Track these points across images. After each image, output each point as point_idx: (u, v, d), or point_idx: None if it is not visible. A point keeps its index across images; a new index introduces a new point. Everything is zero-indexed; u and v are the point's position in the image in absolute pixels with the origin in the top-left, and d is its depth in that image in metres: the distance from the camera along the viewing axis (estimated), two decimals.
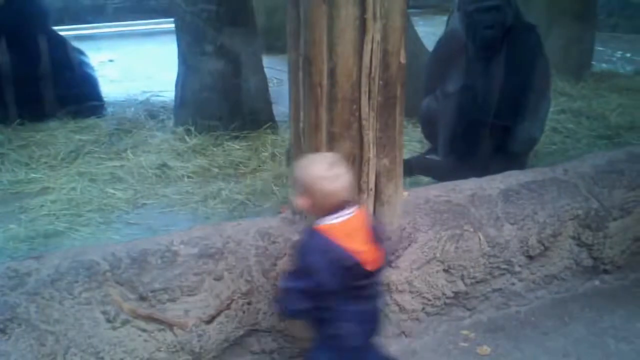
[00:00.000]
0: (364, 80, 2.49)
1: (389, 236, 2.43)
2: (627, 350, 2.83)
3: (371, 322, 2.30)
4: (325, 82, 2.47)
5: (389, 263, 2.71)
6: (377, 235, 2.25)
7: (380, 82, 2.53)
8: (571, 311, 3.10)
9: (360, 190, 2.63)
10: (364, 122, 2.53)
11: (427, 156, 4.31)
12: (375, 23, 2.42)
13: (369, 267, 2.17)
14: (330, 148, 2.54)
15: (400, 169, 2.74)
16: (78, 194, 3.89)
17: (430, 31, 6.75)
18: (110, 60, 7.65)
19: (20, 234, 3.41)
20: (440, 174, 3.86)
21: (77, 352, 2.33)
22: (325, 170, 2.18)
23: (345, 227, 2.17)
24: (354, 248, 2.15)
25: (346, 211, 2.19)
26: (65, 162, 4.39)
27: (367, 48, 2.45)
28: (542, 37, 4.10)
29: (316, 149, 2.55)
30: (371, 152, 2.59)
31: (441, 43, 4.33)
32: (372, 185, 2.65)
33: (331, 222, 2.17)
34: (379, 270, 2.25)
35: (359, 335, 2.25)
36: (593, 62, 6.85)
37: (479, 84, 3.92)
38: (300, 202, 2.21)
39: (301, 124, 2.62)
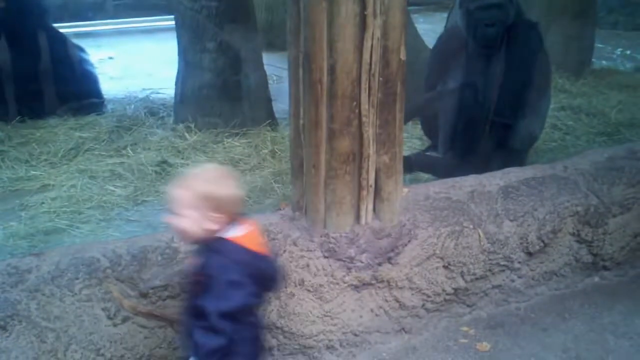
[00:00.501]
0: (364, 77, 2.49)
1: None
2: (627, 346, 2.84)
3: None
4: (325, 78, 2.47)
5: (388, 259, 2.73)
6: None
7: (380, 79, 2.53)
8: (571, 307, 3.11)
9: (360, 187, 2.64)
10: (364, 119, 2.54)
11: (427, 153, 4.31)
12: (376, 20, 2.43)
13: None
14: (330, 145, 2.55)
15: (400, 166, 2.74)
16: (78, 191, 3.89)
17: (430, 28, 6.77)
18: (110, 58, 7.65)
19: (20, 231, 3.41)
20: (441, 171, 3.86)
21: (78, 348, 2.33)
22: (222, 178, 2.06)
23: (253, 238, 2.09)
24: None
25: (244, 224, 2.08)
26: (65, 160, 4.39)
27: (367, 45, 2.45)
28: (543, 34, 4.10)
29: (316, 146, 2.55)
30: (371, 149, 2.59)
31: (441, 40, 4.34)
32: (372, 182, 2.65)
33: (238, 234, 2.04)
34: None
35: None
36: (593, 59, 6.84)
37: (479, 81, 3.92)
38: (188, 220, 1.99)
39: (301, 121, 2.62)
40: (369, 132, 2.56)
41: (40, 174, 4.17)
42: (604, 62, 7.28)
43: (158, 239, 2.57)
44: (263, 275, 2.07)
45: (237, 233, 2.04)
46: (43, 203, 3.76)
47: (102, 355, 2.37)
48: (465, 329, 2.94)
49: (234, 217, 2.06)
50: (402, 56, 2.57)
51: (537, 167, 3.31)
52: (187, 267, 2.18)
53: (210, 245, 2.02)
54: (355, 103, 2.51)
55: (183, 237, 2.09)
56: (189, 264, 2.15)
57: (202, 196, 1.98)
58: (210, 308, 1.94)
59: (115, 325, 2.40)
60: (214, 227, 2.01)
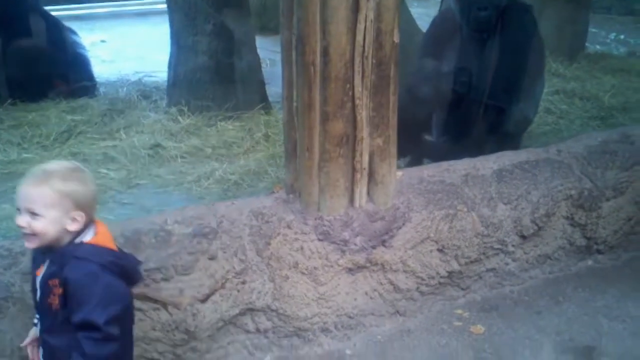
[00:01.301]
0: (357, 59, 2.48)
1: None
2: (620, 329, 2.86)
3: None
4: (318, 61, 2.46)
5: (382, 242, 2.73)
6: None
7: (374, 61, 2.52)
8: (564, 291, 3.12)
9: (354, 170, 2.63)
10: (357, 102, 2.53)
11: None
12: (369, 2, 2.41)
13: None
14: (324, 127, 2.54)
15: (394, 149, 2.74)
16: None
17: (424, 12, 6.71)
18: (103, 41, 7.56)
19: (13, 214, 3.37)
20: (434, 154, 3.86)
21: None
22: (81, 174, 1.94)
23: (107, 235, 1.99)
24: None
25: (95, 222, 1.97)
26: (57, 143, 4.34)
27: (361, 27, 2.44)
28: (537, 18, 4.09)
29: (309, 129, 2.55)
30: (364, 132, 2.58)
31: (435, 23, 4.31)
32: (365, 164, 2.65)
33: (95, 235, 1.94)
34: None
35: None
36: (587, 44, 6.83)
37: (472, 64, 3.91)
38: (47, 220, 1.85)
39: (294, 104, 2.61)
40: (363, 114, 2.55)
41: (33, 157, 4.12)
42: (597, 46, 7.25)
43: (151, 221, 2.56)
44: (128, 272, 1.98)
45: (93, 234, 1.93)
46: None
47: None
48: (459, 311, 2.96)
49: (91, 216, 1.94)
50: (396, 39, 2.56)
51: (530, 151, 3.31)
52: (38, 280, 1.93)
53: (69, 252, 1.87)
54: (348, 85, 2.50)
55: (38, 240, 1.87)
56: (36, 275, 1.94)
57: (64, 194, 1.84)
58: (99, 319, 1.81)
59: None
60: (75, 227, 1.88)
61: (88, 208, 1.91)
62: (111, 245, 1.97)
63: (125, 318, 1.95)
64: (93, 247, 1.90)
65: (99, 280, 1.85)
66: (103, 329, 1.82)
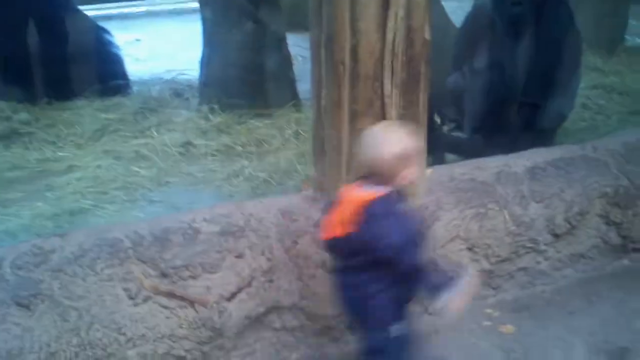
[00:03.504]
0: (387, 57, 2.45)
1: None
2: None
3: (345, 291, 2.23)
4: (347, 59, 2.44)
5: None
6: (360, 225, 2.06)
7: (404, 59, 2.49)
8: (598, 291, 3.05)
9: None
10: (386, 100, 2.50)
11: (453, 133, 4.25)
12: None
13: (325, 234, 2.17)
14: (352, 126, 2.51)
15: (424, 147, 2.70)
16: (103, 172, 3.92)
17: (457, 6, 6.63)
18: (137, 40, 7.66)
19: (46, 212, 3.45)
20: (466, 152, 3.81)
21: (100, 327, 2.35)
22: (369, 132, 2.12)
23: (350, 195, 2.11)
24: (335, 214, 2.13)
25: (371, 187, 2.08)
26: (91, 141, 4.42)
27: (390, 24, 2.41)
28: (574, 11, 4.00)
29: (338, 127, 2.53)
30: None
31: (469, 19, 4.25)
32: None
33: (353, 186, 2.14)
34: (329, 242, 2.18)
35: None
36: (626, 36, 6.67)
37: (507, 59, 3.85)
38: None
39: (323, 102, 2.59)
40: (392, 113, 2.52)
41: (67, 155, 4.21)
42: (637, 39, 7.08)
43: (180, 219, 2.57)
44: None
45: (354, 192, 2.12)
46: (69, 184, 3.80)
47: (124, 334, 2.38)
48: (489, 311, 2.91)
49: (362, 174, 2.13)
50: (427, 35, 2.52)
51: (565, 148, 3.25)
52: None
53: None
54: (377, 84, 2.48)
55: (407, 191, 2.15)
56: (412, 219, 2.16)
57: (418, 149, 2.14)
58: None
59: (136, 304, 2.40)
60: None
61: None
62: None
63: None
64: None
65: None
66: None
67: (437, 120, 4.23)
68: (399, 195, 2.12)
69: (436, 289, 2.14)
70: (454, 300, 2.14)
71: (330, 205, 2.19)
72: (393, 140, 2.05)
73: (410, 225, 2.15)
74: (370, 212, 2.03)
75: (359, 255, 2.10)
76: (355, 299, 2.20)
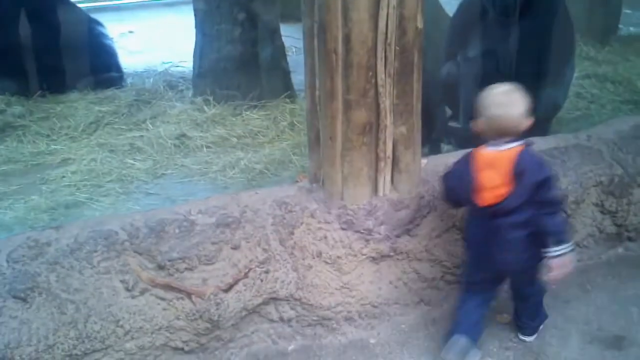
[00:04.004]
0: (380, 46, 2.44)
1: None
2: None
3: (493, 242, 2.43)
4: (340, 48, 2.43)
5: (407, 231, 2.70)
6: (519, 178, 2.32)
7: (397, 48, 2.48)
8: (594, 279, 3.06)
9: (377, 158, 2.61)
10: (380, 89, 2.50)
11: (448, 123, 4.25)
12: None
13: (489, 199, 2.36)
14: (346, 116, 2.51)
15: (418, 137, 2.70)
16: (98, 164, 3.91)
17: None
18: (130, 32, 7.62)
19: (41, 205, 3.44)
20: (461, 141, 3.81)
21: (97, 320, 2.36)
22: (496, 96, 2.35)
23: (491, 158, 2.36)
24: (481, 179, 2.36)
25: (504, 144, 2.34)
26: (85, 134, 4.41)
27: (383, 13, 2.40)
28: None
29: (332, 117, 2.53)
30: (388, 120, 2.55)
31: (462, 8, 4.24)
32: (389, 153, 2.62)
33: (486, 150, 2.38)
34: (503, 203, 2.36)
35: (480, 248, 2.51)
36: (620, 25, 6.66)
37: (500, 49, 3.84)
38: (474, 124, 2.40)
39: (317, 92, 2.59)
40: (386, 102, 2.52)
41: (61, 148, 4.20)
42: (631, 28, 7.06)
43: (175, 211, 2.58)
44: (468, 189, 2.43)
45: (485, 149, 2.41)
46: (64, 177, 3.79)
47: (121, 326, 2.39)
48: None
49: (499, 133, 2.38)
50: (419, 24, 2.51)
51: (560, 137, 3.25)
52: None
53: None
54: (371, 73, 2.47)
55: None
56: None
57: (482, 109, 2.39)
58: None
59: (133, 297, 2.41)
60: (485, 136, 2.42)
61: (484, 120, 2.38)
62: (477, 165, 2.41)
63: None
64: (467, 154, 2.49)
65: (453, 164, 2.61)
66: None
67: (449, 112, 4.25)
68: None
69: (562, 233, 2.38)
70: (559, 267, 2.37)
71: (462, 174, 2.44)
72: (517, 100, 2.33)
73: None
74: (528, 162, 2.34)
75: (524, 204, 2.34)
76: (524, 243, 2.41)
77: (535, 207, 2.35)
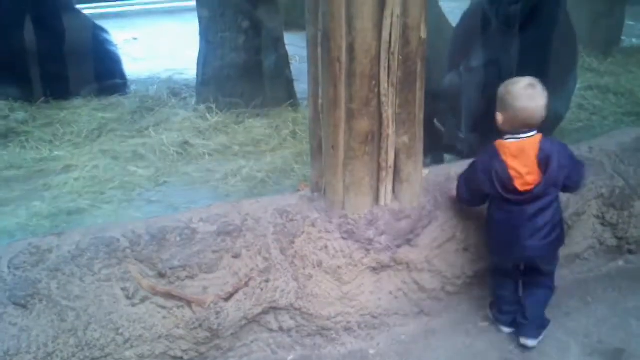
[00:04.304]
0: (384, 55, 2.45)
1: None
2: None
3: (522, 229, 2.54)
4: (343, 57, 2.44)
5: (407, 241, 2.70)
6: (545, 163, 2.46)
7: (400, 58, 2.49)
8: (594, 291, 3.06)
9: (379, 167, 2.61)
10: (383, 99, 2.50)
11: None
12: None
13: (519, 187, 2.48)
14: (349, 125, 2.52)
15: (420, 146, 2.71)
16: (100, 171, 3.92)
17: (456, 6, 6.63)
18: (134, 39, 7.65)
19: (43, 211, 3.45)
20: (463, 151, 3.81)
21: (97, 327, 2.36)
22: (520, 89, 2.48)
23: (515, 147, 2.48)
24: (514, 167, 2.47)
25: (525, 134, 2.49)
26: (88, 140, 4.43)
27: (387, 22, 2.41)
28: (570, 11, 4.00)
29: (335, 126, 2.53)
30: (390, 129, 2.56)
31: (465, 18, 4.25)
32: (391, 162, 2.62)
33: (508, 140, 2.50)
34: (534, 191, 2.48)
35: (508, 236, 2.59)
36: (623, 37, 6.67)
37: (503, 59, 3.84)
38: (497, 117, 2.55)
39: (320, 101, 2.60)
40: (389, 111, 2.53)
41: (64, 155, 4.21)
42: (634, 40, 7.08)
43: (177, 219, 2.58)
44: (498, 178, 2.54)
45: (509, 140, 2.54)
46: (66, 183, 3.80)
47: (121, 334, 2.39)
48: (485, 312, 2.91)
49: (522, 125, 2.52)
50: (423, 34, 2.52)
51: None
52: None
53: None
54: (374, 82, 2.48)
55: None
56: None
57: (504, 101, 2.57)
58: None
59: (134, 305, 2.41)
60: (507, 128, 2.56)
61: (507, 113, 2.53)
62: (505, 154, 2.52)
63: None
64: (492, 146, 2.59)
65: (476, 159, 2.70)
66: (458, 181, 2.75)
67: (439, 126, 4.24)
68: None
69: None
70: None
71: (488, 166, 2.54)
72: (542, 91, 2.48)
73: None
74: (552, 147, 2.48)
75: (550, 188, 2.50)
76: (549, 226, 2.55)
77: (560, 189, 2.54)
